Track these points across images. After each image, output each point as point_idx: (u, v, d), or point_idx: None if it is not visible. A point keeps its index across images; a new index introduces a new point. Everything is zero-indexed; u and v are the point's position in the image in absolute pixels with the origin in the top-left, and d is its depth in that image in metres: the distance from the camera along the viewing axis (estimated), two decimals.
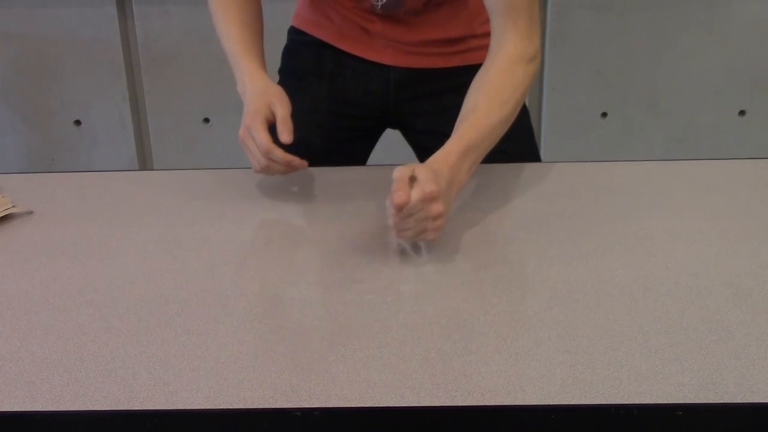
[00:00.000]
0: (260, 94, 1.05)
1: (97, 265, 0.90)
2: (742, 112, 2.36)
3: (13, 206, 1.03)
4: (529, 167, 1.17)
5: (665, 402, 0.64)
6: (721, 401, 0.64)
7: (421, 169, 0.87)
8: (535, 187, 1.10)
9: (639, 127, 2.38)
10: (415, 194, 0.85)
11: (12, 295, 0.84)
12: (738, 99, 2.35)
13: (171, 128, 2.39)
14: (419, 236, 0.88)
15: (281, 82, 1.33)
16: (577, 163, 1.18)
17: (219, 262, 0.90)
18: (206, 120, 2.34)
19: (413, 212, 0.86)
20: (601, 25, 2.27)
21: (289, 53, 1.35)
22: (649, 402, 0.64)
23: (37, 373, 0.70)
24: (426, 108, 1.27)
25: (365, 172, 1.17)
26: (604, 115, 2.37)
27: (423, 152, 1.31)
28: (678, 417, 0.64)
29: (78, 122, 2.40)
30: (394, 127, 1.34)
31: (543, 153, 2.41)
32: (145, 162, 2.45)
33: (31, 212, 1.03)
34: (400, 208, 0.84)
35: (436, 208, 0.86)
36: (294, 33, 1.33)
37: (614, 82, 2.33)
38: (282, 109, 1.03)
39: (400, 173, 0.86)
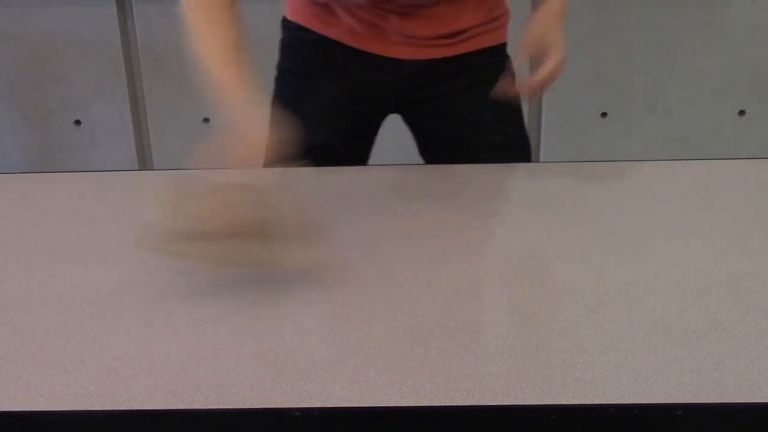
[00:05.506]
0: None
1: (97, 265, 0.90)
2: (742, 112, 2.36)
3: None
4: (529, 167, 1.17)
5: (665, 402, 0.64)
6: (721, 401, 0.64)
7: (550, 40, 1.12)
8: (535, 186, 1.10)
9: (639, 127, 2.38)
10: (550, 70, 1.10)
11: (12, 295, 0.84)
12: (738, 99, 2.34)
13: (171, 128, 2.39)
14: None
15: (284, 81, 1.30)
16: (577, 163, 1.18)
17: None
18: (206, 120, 2.34)
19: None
20: (601, 25, 2.27)
21: (290, 50, 1.30)
22: (649, 402, 0.64)
23: (37, 373, 0.70)
24: (434, 93, 1.27)
25: (365, 171, 1.17)
26: (604, 115, 2.37)
27: (424, 135, 1.31)
28: (678, 417, 0.64)
29: (78, 122, 2.40)
30: (396, 112, 1.33)
31: (543, 153, 2.41)
32: (145, 162, 2.45)
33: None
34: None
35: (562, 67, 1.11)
36: (293, 28, 1.29)
37: (614, 82, 2.33)
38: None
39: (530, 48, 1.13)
